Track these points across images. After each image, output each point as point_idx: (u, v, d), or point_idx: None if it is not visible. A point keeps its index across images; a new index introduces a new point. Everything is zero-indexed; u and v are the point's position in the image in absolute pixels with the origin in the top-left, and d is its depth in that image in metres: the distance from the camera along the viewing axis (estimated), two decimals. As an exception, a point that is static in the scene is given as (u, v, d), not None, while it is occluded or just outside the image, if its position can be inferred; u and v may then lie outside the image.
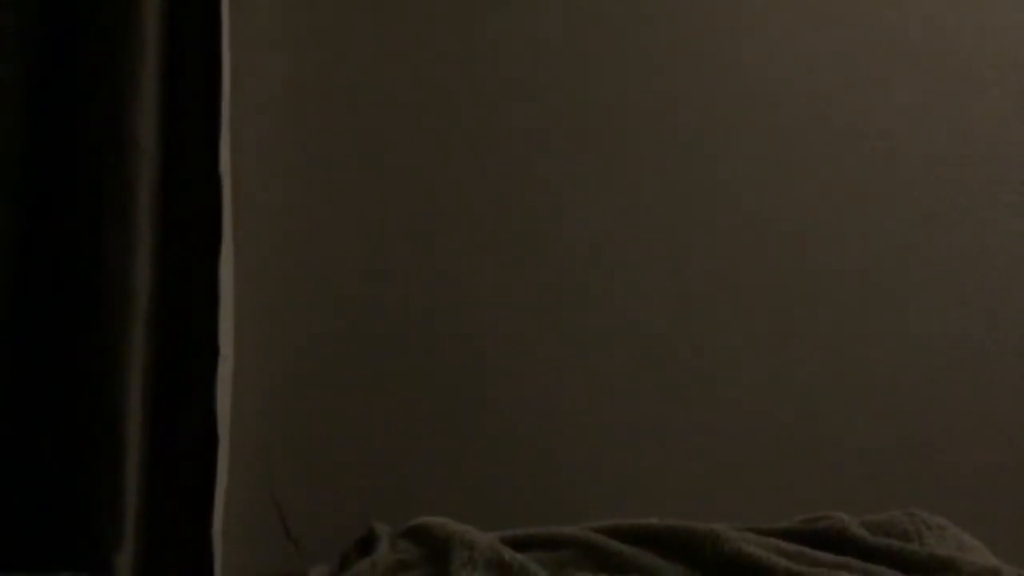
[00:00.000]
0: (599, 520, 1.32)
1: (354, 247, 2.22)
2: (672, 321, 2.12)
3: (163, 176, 1.88)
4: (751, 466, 2.07)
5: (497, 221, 2.15)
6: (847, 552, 1.21)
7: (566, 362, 2.13)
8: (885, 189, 2.13)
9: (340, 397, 2.18)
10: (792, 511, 1.31)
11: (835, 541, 1.24)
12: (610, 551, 1.22)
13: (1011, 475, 2.01)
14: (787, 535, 1.24)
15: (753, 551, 1.18)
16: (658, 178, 2.15)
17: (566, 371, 2.13)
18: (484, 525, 1.31)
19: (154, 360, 1.86)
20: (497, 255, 2.14)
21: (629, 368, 2.12)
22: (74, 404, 1.82)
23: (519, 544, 1.23)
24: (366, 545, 1.29)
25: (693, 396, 2.10)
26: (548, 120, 2.19)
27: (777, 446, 2.07)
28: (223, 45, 1.92)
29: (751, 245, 2.13)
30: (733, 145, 2.13)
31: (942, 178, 2.14)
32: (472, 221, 2.16)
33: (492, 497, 2.09)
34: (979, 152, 2.14)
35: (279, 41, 2.25)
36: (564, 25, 2.20)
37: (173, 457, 1.88)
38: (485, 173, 2.19)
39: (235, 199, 1.99)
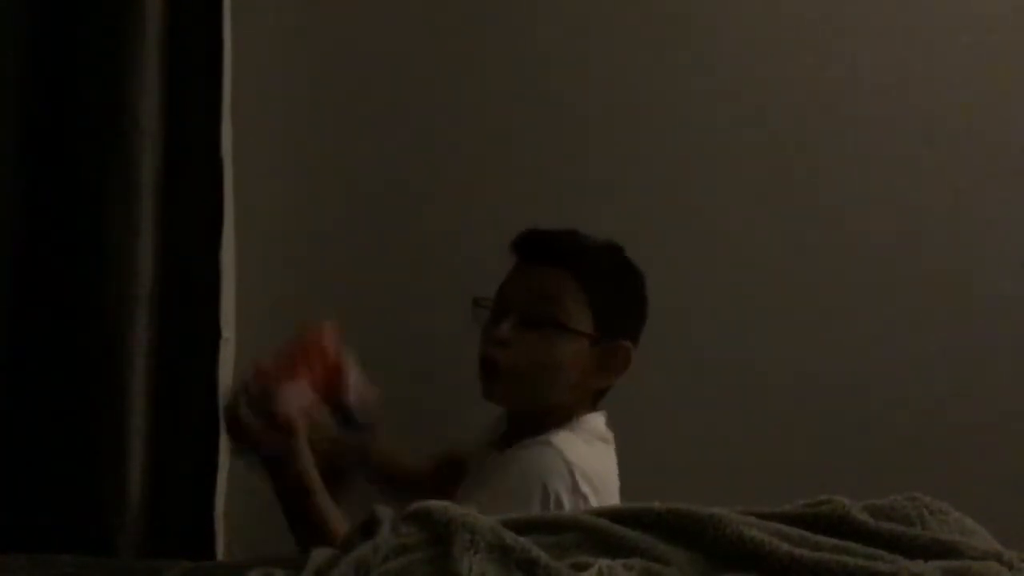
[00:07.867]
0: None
1: (355, 230, 2.22)
2: (683, 309, 2.12)
3: (165, 159, 1.88)
4: (753, 451, 2.07)
5: (498, 211, 2.15)
6: (849, 536, 1.21)
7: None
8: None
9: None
10: (794, 495, 1.31)
11: (837, 525, 1.23)
12: (612, 535, 1.22)
13: (1013, 460, 2.01)
14: (789, 519, 1.24)
15: (755, 535, 1.18)
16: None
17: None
18: (486, 509, 1.31)
19: (157, 342, 1.86)
20: (499, 246, 2.14)
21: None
22: (77, 386, 1.83)
23: (521, 528, 1.22)
24: (368, 529, 1.29)
25: (697, 382, 2.10)
26: (555, 122, 2.18)
27: (781, 430, 2.07)
28: (225, 29, 1.92)
29: (758, 238, 2.14)
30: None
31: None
32: (472, 203, 2.17)
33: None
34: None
35: (281, 28, 2.25)
36: (571, 26, 2.20)
37: (176, 440, 1.88)
38: (486, 163, 2.19)
39: (236, 182, 1.99)
